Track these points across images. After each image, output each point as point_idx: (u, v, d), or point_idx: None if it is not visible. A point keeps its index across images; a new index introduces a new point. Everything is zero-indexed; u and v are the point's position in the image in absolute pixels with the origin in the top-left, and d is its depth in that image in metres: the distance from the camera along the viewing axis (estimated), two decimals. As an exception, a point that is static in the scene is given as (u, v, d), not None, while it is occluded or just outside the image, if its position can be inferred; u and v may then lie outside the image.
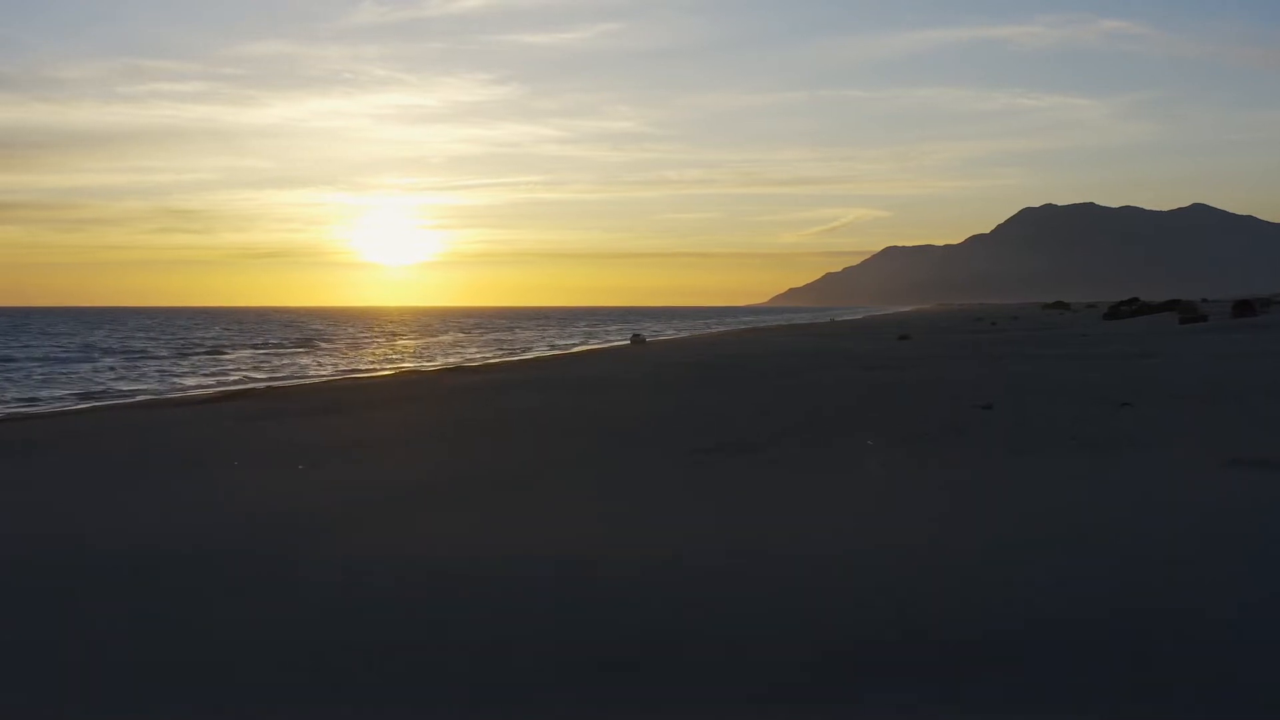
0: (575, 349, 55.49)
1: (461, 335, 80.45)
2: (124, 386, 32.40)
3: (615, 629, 5.53)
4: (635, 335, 60.92)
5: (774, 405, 16.71)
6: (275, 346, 60.76)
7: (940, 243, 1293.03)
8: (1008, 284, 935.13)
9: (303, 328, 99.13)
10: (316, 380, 33.36)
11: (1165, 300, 68.56)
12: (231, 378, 35.86)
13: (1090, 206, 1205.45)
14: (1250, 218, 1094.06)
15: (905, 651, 5.10)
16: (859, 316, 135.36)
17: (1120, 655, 4.97)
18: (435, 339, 72.92)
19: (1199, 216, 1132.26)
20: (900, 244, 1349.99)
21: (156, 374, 37.93)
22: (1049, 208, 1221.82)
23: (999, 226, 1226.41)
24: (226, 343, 64.47)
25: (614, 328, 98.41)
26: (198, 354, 51.44)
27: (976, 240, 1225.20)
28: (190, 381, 34.33)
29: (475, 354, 51.45)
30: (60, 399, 27.95)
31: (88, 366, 41.55)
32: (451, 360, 44.59)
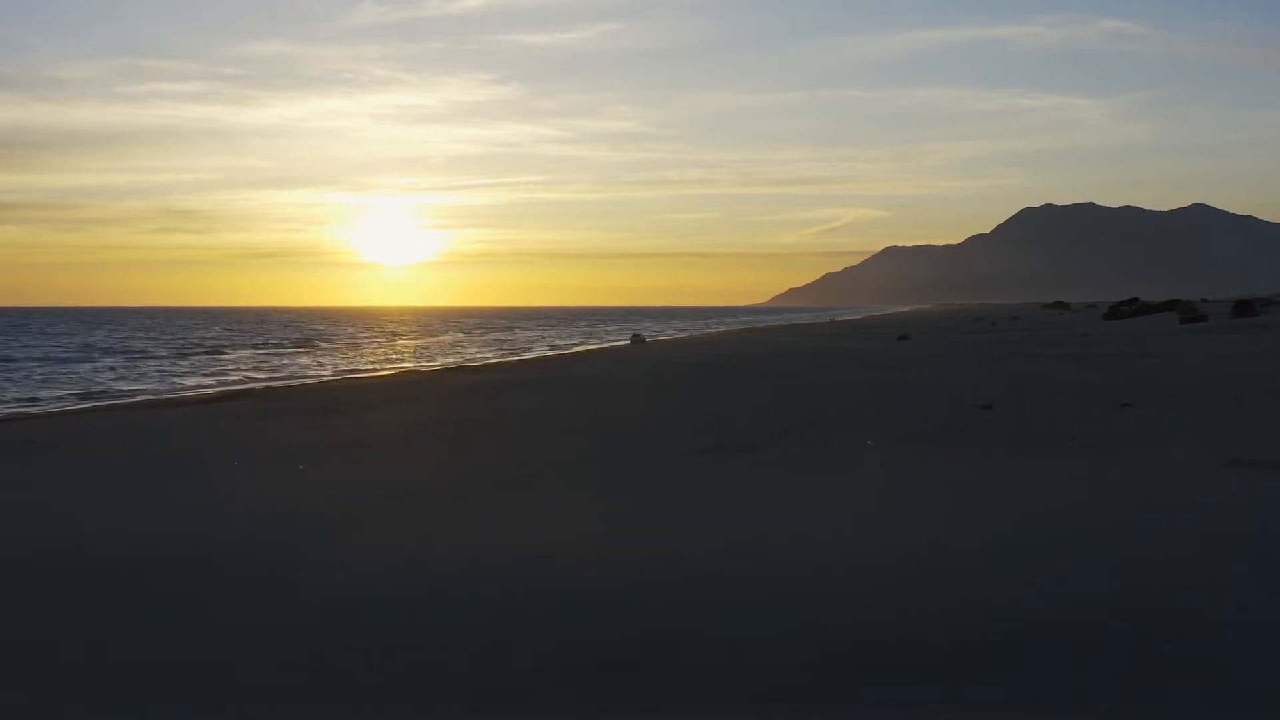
0: (575, 349, 55.49)
1: (461, 335, 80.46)
2: (124, 386, 32.41)
3: (615, 629, 5.52)
4: (635, 335, 60.90)
5: (774, 405, 16.71)
6: (275, 346, 60.77)
7: (940, 243, 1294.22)
8: (1008, 284, 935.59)
9: (303, 328, 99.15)
10: (316, 380, 33.37)
11: (1165, 300, 68.62)
12: (231, 378, 35.87)
13: (1090, 206, 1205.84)
14: (1250, 218, 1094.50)
15: (905, 651, 5.10)
16: (859, 316, 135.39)
17: (1120, 655, 4.97)
18: (435, 339, 72.92)
19: (1199, 216, 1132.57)
20: (900, 244, 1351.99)
21: (156, 374, 37.94)
22: (1049, 208, 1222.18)
23: (999, 226, 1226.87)
24: (226, 343, 64.48)
25: (614, 328, 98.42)
26: (198, 354, 51.44)
27: (976, 240, 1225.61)
28: (190, 381, 34.34)
29: (475, 354, 51.45)
30: (60, 399, 27.95)
31: (88, 366, 41.56)
32: (451, 360, 44.59)
